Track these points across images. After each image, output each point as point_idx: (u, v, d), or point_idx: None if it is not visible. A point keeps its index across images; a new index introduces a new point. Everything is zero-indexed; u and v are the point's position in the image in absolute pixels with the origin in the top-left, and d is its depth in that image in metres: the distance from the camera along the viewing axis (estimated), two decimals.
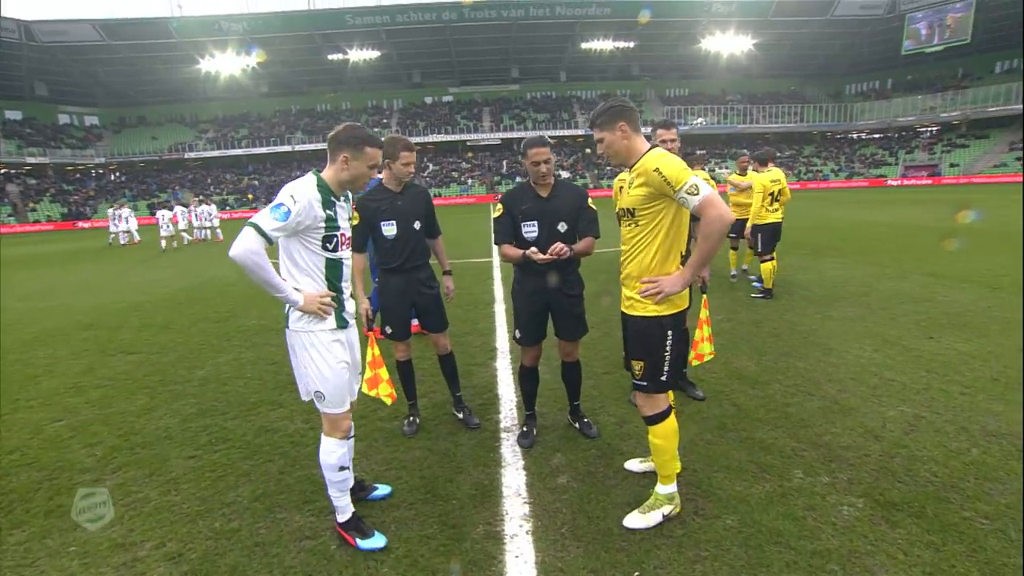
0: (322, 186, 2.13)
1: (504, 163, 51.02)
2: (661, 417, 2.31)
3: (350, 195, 2.34)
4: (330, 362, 2.20)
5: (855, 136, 54.09)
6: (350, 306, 2.33)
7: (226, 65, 50.73)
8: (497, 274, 8.85)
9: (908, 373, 3.80)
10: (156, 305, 7.80)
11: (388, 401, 2.97)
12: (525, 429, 3.18)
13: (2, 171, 46.86)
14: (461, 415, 3.51)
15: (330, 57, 52.02)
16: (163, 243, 17.53)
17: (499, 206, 3.01)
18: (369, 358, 2.86)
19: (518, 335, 3.07)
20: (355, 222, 3.19)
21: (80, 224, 41.81)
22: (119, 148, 51.78)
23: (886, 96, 53.33)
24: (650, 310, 2.19)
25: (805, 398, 3.50)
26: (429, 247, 3.42)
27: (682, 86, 56.92)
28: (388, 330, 3.32)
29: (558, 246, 2.73)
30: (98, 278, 11.16)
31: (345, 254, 2.26)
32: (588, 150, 51.65)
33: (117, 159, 51.14)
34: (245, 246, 1.92)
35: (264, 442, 3.25)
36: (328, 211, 2.12)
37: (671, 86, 57.12)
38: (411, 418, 3.40)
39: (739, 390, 3.71)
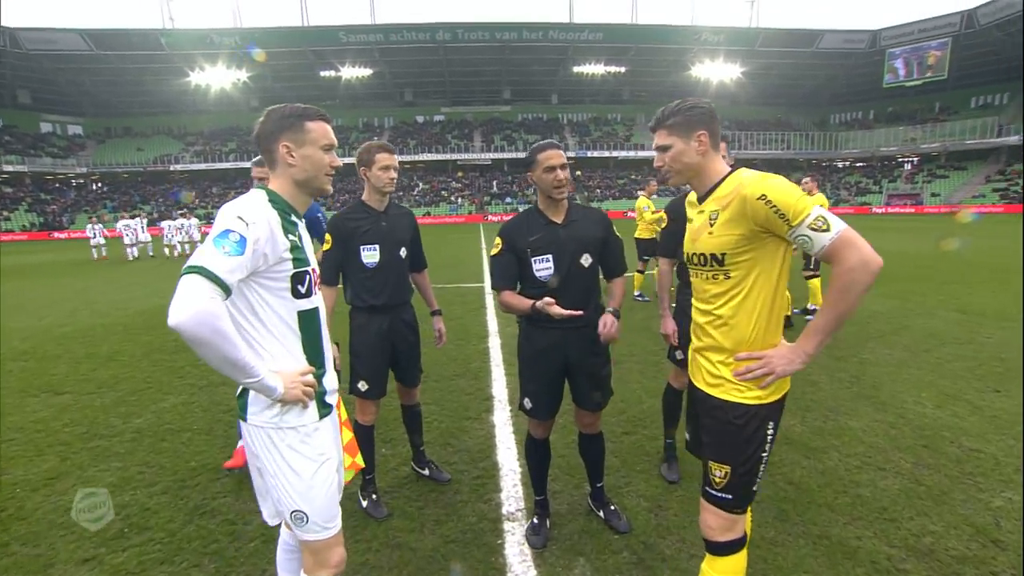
0: (275, 202, 1.45)
1: (494, 183, 50.81)
2: (734, 547, 1.61)
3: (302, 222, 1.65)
4: (314, 463, 1.47)
5: (840, 164, 55.00)
6: (332, 381, 1.61)
7: (216, 78, 50.23)
8: (491, 302, 8.17)
9: (993, 441, 3.17)
10: (109, 330, 6.96)
11: (350, 475, 2.26)
12: (536, 521, 2.45)
13: None
14: (426, 471, 2.96)
15: (322, 73, 51.84)
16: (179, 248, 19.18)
17: (497, 241, 2.31)
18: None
19: (528, 406, 2.37)
20: (327, 247, 2.54)
21: (55, 235, 40.32)
22: (102, 158, 50.62)
23: (869, 126, 54.59)
24: (749, 396, 1.54)
25: (877, 474, 2.85)
26: (412, 282, 2.78)
27: None
28: (362, 386, 2.62)
29: (610, 332, 2.12)
30: (54, 295, 10.23)
31: (319, 300, 1.56)
32: (579, 172, 51.72)
33: (99, 169, 49.93)
34: (196, 305, 1.18)
35: (194, 532, 2.48)
36: (291, 236, 1.43)
37: None
38: (374, 496, 2.68)
39: (791, 460, 3.04)
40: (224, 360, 1.25)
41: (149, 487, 2.89)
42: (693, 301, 1.71)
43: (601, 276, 2.34)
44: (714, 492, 1.60)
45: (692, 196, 1.73)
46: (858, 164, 53.96)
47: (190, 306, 1.18)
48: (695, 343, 1.71)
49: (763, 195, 1.42)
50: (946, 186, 45.62)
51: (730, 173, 1.58)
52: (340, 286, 2.64)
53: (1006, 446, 3.10)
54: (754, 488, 1.59)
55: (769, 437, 1.56)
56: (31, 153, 47.44)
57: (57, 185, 49.45)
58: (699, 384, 1.69)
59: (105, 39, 47.34)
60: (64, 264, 17.57)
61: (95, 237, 18.62)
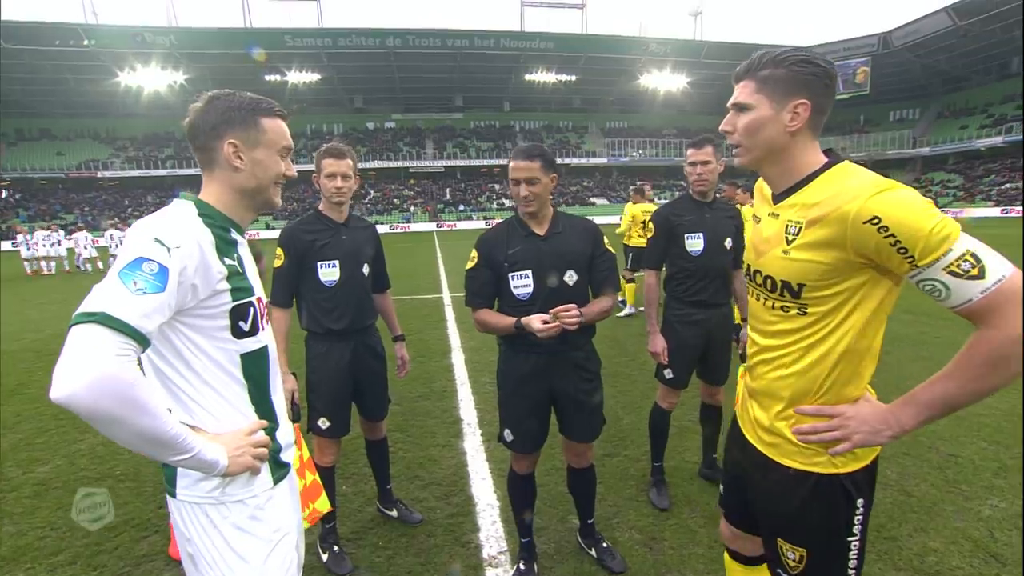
0: (209, 215, 1.14)
1: (447, 191, 50.34)
2: None
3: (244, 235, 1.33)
4: (267, 544, 1.16)
5: None
6: (288, 433, 1.30)
7: (150, 80, 47.02)
8: (451, 314, 7.85)
9: (967, 444, 3.19)
10: (15, 357, 6.11)
11: (307, 524, 1.95)
12: (522, 567, 2.18)
13: None
14: (394, 512, 2.63)
15: (267, 78, 49.67)
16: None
17: (473, 253, 2.07)
18: (295, 463, 1.85)
19: (509, 438, 2.10)
20: (278, 263, 2.21)
21: None
22: (14, 162, 46.09)
23: None
24: (817, 461, 1.16)
25: None
26: (375, 303, 2.47)
27: (622, 119, 59.24)
28: (322, 424, 2.28)
29: (568, 312, 1.81)
30: None
31: (268, 336, 1.25)
32: None
33: (11, 175, 45.46)
34: (96, 369, 0.85)
35: None
36: (229, 260, 1.13)
37: (611, 119, 59.30)
38: (336, 548, 2.33)
39: None
40: (140, 437, 0.92)
41: (51, 557, 2.39)
42: (748, 330, 1.33)
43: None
44: None
45: (764, 188, 1.29)
46: None
47: (87, 370, 0.85)
48: (748, 382, 1.33)
49: (876, 218, 0.98)
50: None
51: (827, 167, 1.12)
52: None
53: (980, 449, 3.12)
54: None
55: (858, 518, 1.16)
56: None
57: None
58: (750, 437, 1.30)
59: (15, 32, 43.14)
60: None
61: (28, 250, 16.80)
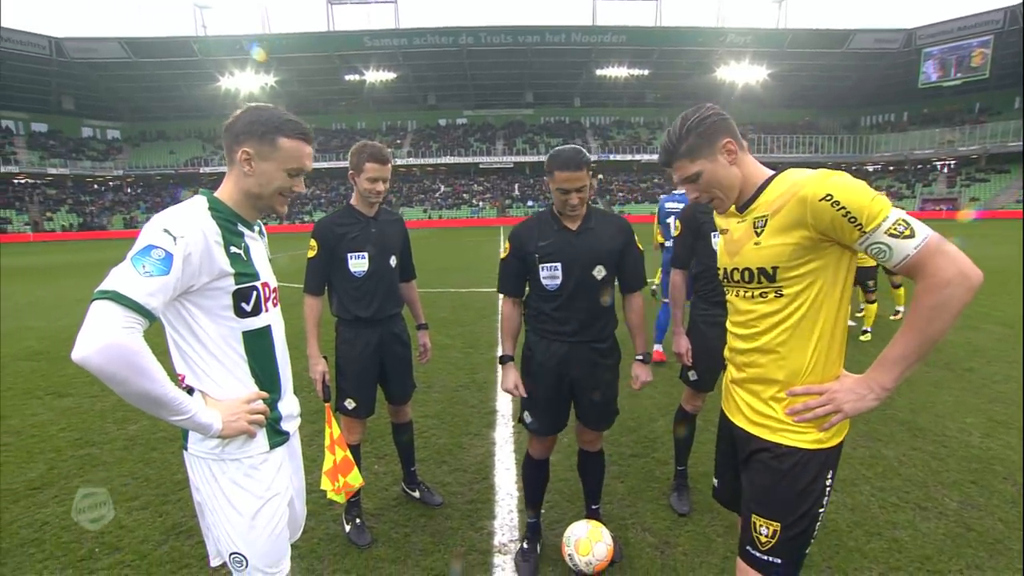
0: (218, 210, 1.30)
1: (516, 186, 50.77)
2: None
3: (263, 227, 1.50)
4: (258, 500, 1.32)
5: (871, 168, 53.17)
6: (291, 405, 1.46)
7: (245, 83, 51.57)
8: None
9: None
10: None
11: (341, 498, 2.10)
12: (526, 547, 2.27)
13: (23, 181, 47.47)
14: (417, 493, 2.79)
15: (347, 77, 52.71)
16: None
17: (506, 244, 2.20)
18: (327, 440, 2.03)
19: (528, 420, 2.21)
20: (312, 254, 2.40)
21: (106, 234, 41.85)
22: (137, 161, 52.53)
23: (902, 128, 52.65)
24: (807, 439, 1.29)
25: (917, 514, 2.54)
26: (401, 292, 2.61)
27: None
28: (349, 404, 2.46)
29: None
30: (84, 295, 10.46)
31: (273, 316, 1.40)
32: (600, 176, 51.24)
33: (134, 172, 51.82)
34: (105, 338, 1.02)
35: (166, 555, 2.34)
36: (234, 249, 1.28)
37: None
38: (358, 521, 2.49)
39: None
40: (142, 397, 1.10)
41: (130, 501, 2.78)
42: (729, 325, 1.47)
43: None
44: (759, 555, 1.32)
45: None
46: (890, 167, 52.08)
47: (98, 338, 1.02)
48: (732, 374, 1.47)
49: (828, 195, 1.16)
50: (986, 190, 43.67)
51: (775, 175, 1.34)
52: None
53: None
54: (807, 551, 1.33)
55: (827, 489, 1.30)
56: (73, 157, 49.60)
57: (96, 187, 51.53)
58: (739, 422, 1.43)
59: (142, 47, 49.08)
60: (106, 264, 18.09)
61: None
